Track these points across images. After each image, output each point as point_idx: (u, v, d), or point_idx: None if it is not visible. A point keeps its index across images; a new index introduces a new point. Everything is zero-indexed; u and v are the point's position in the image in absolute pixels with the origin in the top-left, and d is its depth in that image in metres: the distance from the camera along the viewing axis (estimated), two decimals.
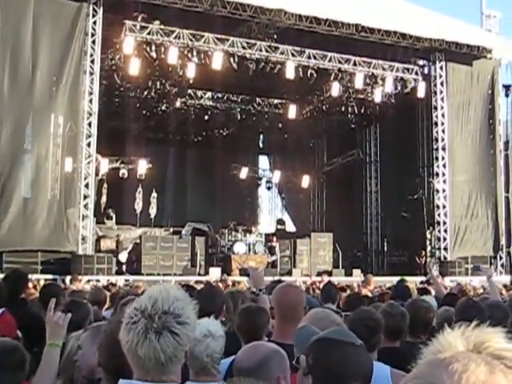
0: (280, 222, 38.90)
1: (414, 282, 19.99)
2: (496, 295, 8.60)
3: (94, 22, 25.17)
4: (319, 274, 28.88)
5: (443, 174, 30.90)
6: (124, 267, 27.93)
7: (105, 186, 31.71)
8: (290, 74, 28.32)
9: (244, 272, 25.27)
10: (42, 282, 18.52)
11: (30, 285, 16.97)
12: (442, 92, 31.12)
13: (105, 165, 30.20)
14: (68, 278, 20.51)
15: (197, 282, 20.57)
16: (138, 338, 2.57)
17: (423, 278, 26.30)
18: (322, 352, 2.78)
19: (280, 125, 37.36)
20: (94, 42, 25.17)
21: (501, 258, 31.84)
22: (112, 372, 2.95)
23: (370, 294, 10.75)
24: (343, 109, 34.69)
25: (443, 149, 30.92)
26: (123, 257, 28.21)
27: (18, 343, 4.56)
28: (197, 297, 5.60)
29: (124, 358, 2.68)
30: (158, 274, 26.92)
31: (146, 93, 31.53)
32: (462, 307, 6.31)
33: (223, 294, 6.67)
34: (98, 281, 22.79)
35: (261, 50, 27.97)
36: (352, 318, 5.03)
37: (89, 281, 22.17)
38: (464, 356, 1.14)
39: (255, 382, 2.58)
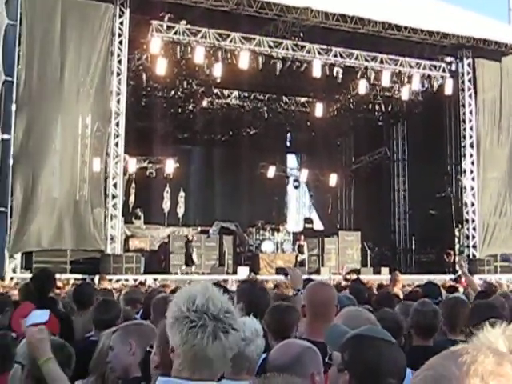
0: (308, 220, 38.84)
1: (442, 280, 19.87)
2: None
3: (121, 23, 25.29)
4: (347, 273, 28.86)
5: (471, 172, 30.72)
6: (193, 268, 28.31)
7: (133, 185, 31.82)
8: (316, 72, 28.27)
9: (281, 271, 25.24)
10: (71, 282, 18.68)
11: (60, 284, 17.10)
12: (469, 89, 30.94)
13: (133, 164, 30.26)
14: (97, 278, 20.62)
15: (225, 280, 20.66)
16: (207, 340, 2.59)
17: (452, 276, 26.18)
18: (359, 348, 2.80)
19: (307, 123, 37.34)
20: (120, 42, 25.29)
21: None
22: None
23: (400, 294, 10.65)
24: (370, 107, 34.66)
25: (471, 146, 30.75)
26: (195, 256, 28.52)
27: (64, 341, 4.62)
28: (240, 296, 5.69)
29: None
30: (187, 273, 27.02)
31: (172, 92, 31.68)
32: (477, 307, 6.28)
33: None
34: (126, 280, 22.91)
35: (287, 49, 27.97)
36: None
37: (118, 280, 22.30)
38: (474, 348, 1.14)
39: (289, 377, 2.59)
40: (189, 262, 28.39)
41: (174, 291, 9.00)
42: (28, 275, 19.76)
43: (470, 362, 1.09)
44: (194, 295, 2.66)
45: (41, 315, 6.19)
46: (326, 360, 3.12)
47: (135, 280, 23.04)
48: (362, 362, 2.74)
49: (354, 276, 22.56)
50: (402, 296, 10.12)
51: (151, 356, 3.39)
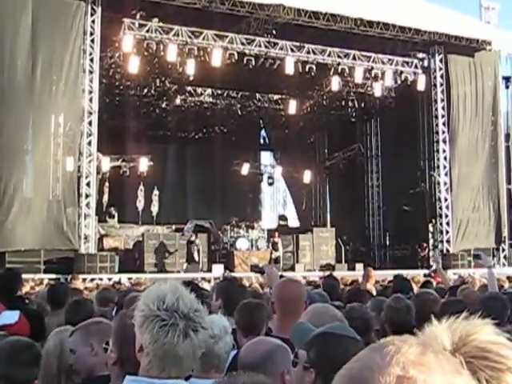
0: (282, 217, 38.88)
1: (417, 274, 19.97)
2: (494, 286, 8.58)
3: (93, 21, 25.17)
4: (322, 267, 29.07)
5: (444, 167, 30.89)
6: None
7: (106, 184, 31.69)
8: (289, 69, 28.29)
9: (257, 269, 25.21)
10: (45, 282, 18.59)
11: (33, 284, 17.01)
12: (441, 85, 31.12)
13: (106, 163, 30.10)
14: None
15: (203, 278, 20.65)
16: (178, 338, 2.61)
17: (426, 271, 26.35)
18: (325, 346, 2.81)
19: (280, 120, 37.39)
20: (92, 40, 25.16)
21: (503, 249, 31.83)
22: (130, 368, 2.96)
23: (373, 290, 10.71)
24: (343, 103, 34.76)
25: (444, 141, 30.91)
26: (196, 255, 28.97)
27: (32, 341, 4.62)
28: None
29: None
30: (161, 272, 26.97)
31: (145, 90, 31.60)
32: (448, 302, 6.36)
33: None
34: (100, 279, 22.84)
35: (260, 46, 27.95)
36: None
37: (92, 279, 22.22)
38: (401, 340, 1.17)
39: (255, 375, 2.59)
40: (190, 260, 28.54)
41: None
42: None
43: (393, 352, 1.12)
44: (164, 294, 2.68)
45: (10, 316, 6.15)
46: (292, 358, 3.13)
47: (110, 279, 23.01)
48: (327, 360, 2.75)
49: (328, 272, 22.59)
50: (375, 292, 10.17)
51: (107, 353, 3.38)
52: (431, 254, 30.42)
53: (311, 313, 3.77)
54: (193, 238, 29.21)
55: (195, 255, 28.71)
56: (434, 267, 29.40)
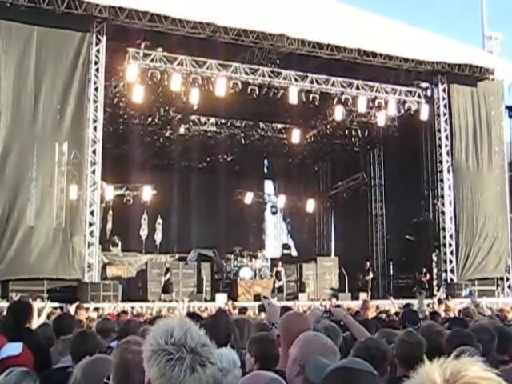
0: (286, 246, 38.88)
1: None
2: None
3: (98, 51, 25.26)
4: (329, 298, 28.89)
5: (448, 196, 30.87)
6: None
7: (110, 213, 31.76)
8: (293, 98, 28.39)
9: (260, 307, 25.07)
10: (47, 311, 18.44)
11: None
12: (445, 114, 31.16)
13: (110, 192, 30.24)
14: (73, 307, 20.42)
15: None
16: (184, 373, 2.58)
17: (430, 301, 26.21)
18: (343, 380, 2.83)
19: (284, 149, 37.45)
20: (97, 69, 25.23)
21: (508, 279, 31.69)
22: None
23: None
24: (347, 132, 34.84)
25: (448, 171, 30.92)
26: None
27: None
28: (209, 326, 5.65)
29: None
30: (164, 301, 26.90)
31: (149, 119, 31.68)
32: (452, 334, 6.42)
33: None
34: (103, 309, 22.75)
35: (264, 76, 28.09)
36: (359, 346, 5.03)
37: (96, 309, 22.13)
38: None
39: None
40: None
41: (150, 322, 9.02)
42: (4, 304, 19.59)
43: None
44: (172, 328, 2.66)
45: (14, 348, 6.12)
46: None
47: (113, 308, 22.91)
48: None
49: (334, 301, 22.57)
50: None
51: None
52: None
53: (302, 341, 3.78)
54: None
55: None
56: (438, 296, 29.29)
